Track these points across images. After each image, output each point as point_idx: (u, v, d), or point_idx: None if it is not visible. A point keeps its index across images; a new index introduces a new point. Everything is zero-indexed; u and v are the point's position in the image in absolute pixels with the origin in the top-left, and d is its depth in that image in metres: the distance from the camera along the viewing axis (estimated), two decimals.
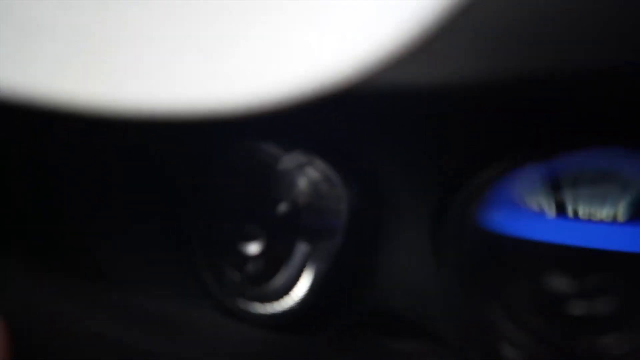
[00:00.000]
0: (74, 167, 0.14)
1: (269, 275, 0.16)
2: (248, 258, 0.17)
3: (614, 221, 0.14)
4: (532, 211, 0.14)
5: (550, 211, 0.14)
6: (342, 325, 0.17)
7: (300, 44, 0.08)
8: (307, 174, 0.16)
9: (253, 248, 0.17)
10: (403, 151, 0.16)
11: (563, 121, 0.13)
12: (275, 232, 0.16)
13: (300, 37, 0.08)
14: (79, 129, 0.13)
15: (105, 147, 0.14)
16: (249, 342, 0.15)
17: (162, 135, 0.15)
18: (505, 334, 0.15)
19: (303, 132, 0.16)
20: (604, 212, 0.14)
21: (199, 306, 0.16)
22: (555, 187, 0.14)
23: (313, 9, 0.08)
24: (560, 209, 0.14)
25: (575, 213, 0.14)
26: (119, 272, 0.14)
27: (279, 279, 0.16)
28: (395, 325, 0.16)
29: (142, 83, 0.08)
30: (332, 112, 0.14)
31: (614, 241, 0.14)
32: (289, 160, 0.16)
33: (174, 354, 0.12)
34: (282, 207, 0.16)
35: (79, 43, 0.09)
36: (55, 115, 0.09)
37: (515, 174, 0.15)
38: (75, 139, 0.13)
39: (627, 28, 0.09)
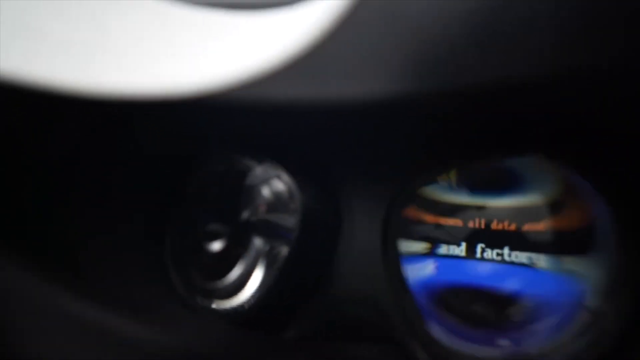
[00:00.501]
0: (65, 167, 0.15)
1: (224, 272, 0.17)
2: (209, 256, 0.18)
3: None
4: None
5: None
6: (301, 328, 0.17)
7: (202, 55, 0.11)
8: (266, 179, 0.18)
9: (214, 246, 0.18)
10: (354, 158, 0.17)
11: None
12: (234, 232, 0.18)
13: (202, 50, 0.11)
14: (72, 130, 0.13)
15: (95, 149, 0.15)
16: (210, 334, 0.16)
17: (148, 141, 0.16)
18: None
19: (262, 142, 0.18)
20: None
21: (167, 299, 0.17)
22: None
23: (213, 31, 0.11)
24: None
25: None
26: (96, 261, 0.15)
27: (233, 276, 0.17)
28: (352, 330, 0.17)
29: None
30: (285, 123, 0.15)
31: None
32: (249, 165, 0.18)
33: (142, 339, 0.12)
34: (242, 208, 0.18)
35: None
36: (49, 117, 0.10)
37: None
38: (67, 141, 0.14)
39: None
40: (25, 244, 0.13)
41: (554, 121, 0.14)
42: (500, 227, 0.15)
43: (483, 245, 0.15)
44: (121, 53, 0.10)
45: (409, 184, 0.16)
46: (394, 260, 0.16)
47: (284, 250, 0.17)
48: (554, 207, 0.14)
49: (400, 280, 0.16)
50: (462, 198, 0.15)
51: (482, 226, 0.15)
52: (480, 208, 0.15)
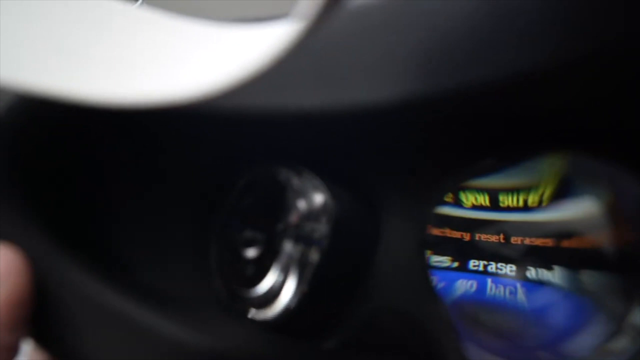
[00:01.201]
0: (119, 178, 0.16)
1: (259, 280, 0.18)
2: (245, 263, 0.18)
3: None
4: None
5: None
6: (336, 338, 0.18)
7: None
8: (301, 188, 0.18)
9: (249, 253, 0.18)
10: (391, 166, 0.17)
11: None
12: (269, 240, 0.18)
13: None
14: (123, 144, 0.15)
15: (146, 161, 0.17)
16: (249, 341, 0.16)
17: (193, 153, 0.17)
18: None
19: (298, 152, 0.18)
20: None
21: (211, 305, 0.17)
22: None
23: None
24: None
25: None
26: (148, 266, 0.16)
27: (267, 284, 0.18)
28: (387, 341, 0.17)
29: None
30: (319, 132, 0.16)
31: None
32: (286, 174, 0.18)
33: (188, 343, 0.13)
34: (277, 216, 0.18)
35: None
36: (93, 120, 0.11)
37: None
38: (120, 153, 0.16)
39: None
40: (87, 250, 0.14)
41: (589, 115, 0.13)
42: (539, 243, 0.14)
43: (522, 262, 0.14)
44: (108, 61, 0.11)
45: (444, 190, 0.16)
46: (427, 274, 0.16)
47: (315, 256, 0.17)
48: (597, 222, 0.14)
49: (433, 294, 0.16)
50: (499, 213, 0.15)
51: (525, 242, 0.14)
52: (519, 222, 0.14)
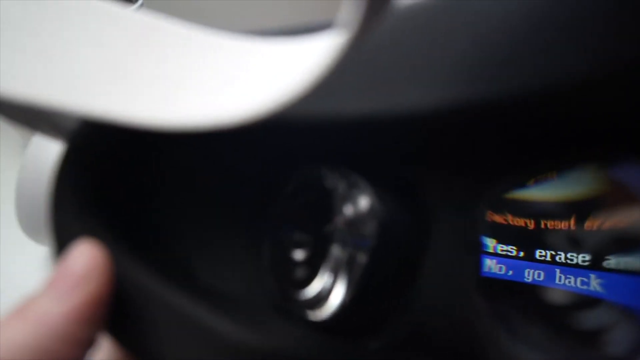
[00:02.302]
0: (179, 189, 0.17)
1: (308, 281, 0.19)
2: (295, 265, 0.19)
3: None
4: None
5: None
6: (385, 339, 0.18)
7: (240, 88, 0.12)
8: (348, 191, 0.19)
9: (298, 255, 0.19)
10: (437, 169, 0.17)
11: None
12: (316, 242, 0.19)
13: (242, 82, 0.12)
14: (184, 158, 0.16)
15: (204, 161, 0.17)
16: (301, 341, 0.17)
17: (246, 160, 0.18)
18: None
19: (345, 156, 0.19)
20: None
21: (265, 306, 0.18)
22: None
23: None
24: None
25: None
26: (209, 271, 0.17)
27: (317, 285, 0.18)
28: (435, 343, 0.17)
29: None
30: (365, 136, 0.16)
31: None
32: (333, 178, 0.19)
33: (246, 343, 0.13)
34: (325, 219, 0.19)
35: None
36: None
37: None
38: (182, 167, 0.17)
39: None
40: (153, 254, 0.15)
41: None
42: (621, 224, 0.13)
43: (599, 249, 0.13)
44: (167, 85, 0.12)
45: (494, 191, 0.16)
46: (477, 274, 0.16)
47: (363, 259, 0.18)
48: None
49: (482, 294, 0.16)
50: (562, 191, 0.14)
51: (602, 226, 0.13)
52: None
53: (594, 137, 0.14)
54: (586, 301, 0.13)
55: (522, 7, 0.12)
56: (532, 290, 0.15)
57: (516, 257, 0.15)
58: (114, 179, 0.14)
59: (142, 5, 0.40)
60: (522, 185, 0.16)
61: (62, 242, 0.13)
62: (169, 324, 0.13)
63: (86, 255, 0.12)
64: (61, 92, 0.12)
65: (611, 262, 0.13)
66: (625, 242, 0.13)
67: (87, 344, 0.12)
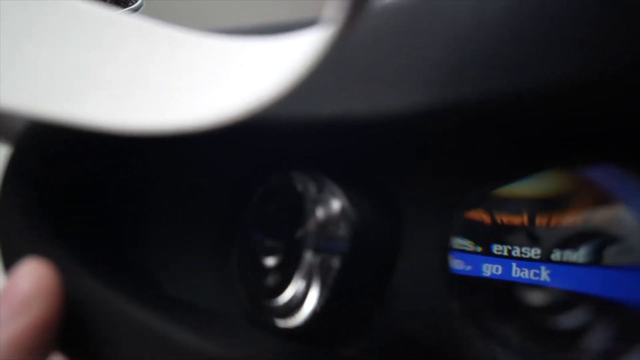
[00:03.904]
0: (138, 181, 0.16)
1: (281, 289, 0.18)
2: (267, 272, 0.18)
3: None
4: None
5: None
6: (360, 345, 0.17)
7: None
8: (320, 195, 0.18)
9: (270, 262, 0.18)
10: (411, 172, 0.17)
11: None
12: (288, 248, 0.18)
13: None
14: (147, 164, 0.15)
15: (168, 166, 0.17)
16: (273, 350, 0.16)
17: (211, 166, 0.17)
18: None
19: (316, 160, 0.18)
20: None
21: (235, 316, 0.18)
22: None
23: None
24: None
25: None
26: (174, 281, 0.16)
27: (290, 292, 0.18)
28: (412, 348, 0.17)
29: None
30: (337, 139, 0.16)
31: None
32: (303, 182, 0.18)
33: (213, 354, 0.13)
34: (296, 224, 0.18)
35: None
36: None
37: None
38: (145, 174, 0.16)
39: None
40: (112, 265, 0.14)
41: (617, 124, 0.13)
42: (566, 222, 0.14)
43: (547, 244, 0.14)
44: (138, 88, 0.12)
45: (468, 196, 0.16)
46: (450, 274, 0.16)
47: (336, 263, 0.17)
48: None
49: (456, 293, 0.16)
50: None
51: (550, 223, 0.14)
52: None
53: (570, 140, 0.14)
54: (561, 302, 0.14)
55: (506, 8, 0.12)
56: (503, 289, 0.15)
57: (474, 252, 0.15)
58: (66, 187, 0.13)
59: (141, 5, 0.39)
60: (496, 186, 0.15)
61: (8, 258, 0.12)
62: (129, 339, 0.12)
63: (31, 275, 0.11)
64: (8, 91, 0.11)
65: (557, 254, 0.14)
66: (570, 238, 0.14)
67: None
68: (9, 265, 0.12)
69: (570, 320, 0.14)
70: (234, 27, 0.15)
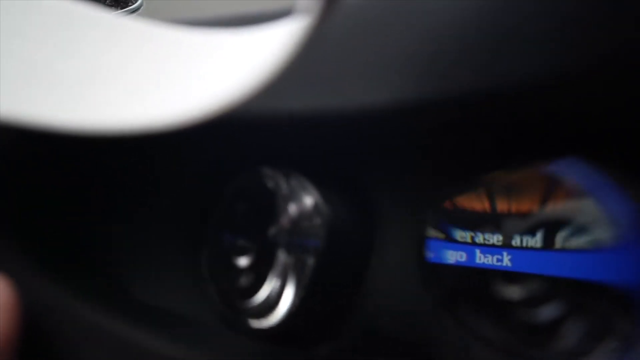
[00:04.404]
0: (103, 182, 0.15)
1: (255, 289, 0.18)
2: (239, 272, 0.18)
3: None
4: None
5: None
6: (335, 343, 0.17)
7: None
8: (292, 192, 0.18)
9: (242, 262, 0.18)
10: (384, 169, 0.17)
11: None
12: (261, 247, 0.18)
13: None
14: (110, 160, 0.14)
15: (133, 166, 0.16)
16: (246, 351, 0.16)
17: (179, 164, 0.16)
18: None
19: (288, 156, 0.18)
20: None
21: (206, 317, 0.17)
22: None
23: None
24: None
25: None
26: (140, 282, 0.15)
27: (264, 292, 0.17)
28: (387, 345, 0.17)
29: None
30: (309, 135, 0.15)
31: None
32: (275, 179, 0.18)
33: (171, 356, 0.13)
34: (268, 222, 0.18)
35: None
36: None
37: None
38: (107, 170, 0.15)
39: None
40: (77, 272, 0.14)
41: (588, 120, 0.13)
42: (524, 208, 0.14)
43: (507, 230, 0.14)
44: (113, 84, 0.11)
45: (442, 194, 0.16)
46: (424, 270, 0.16)
47: (311, 261, 0.17)
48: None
49: (430, 288, 0.16)
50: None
51: (511, 209, 0.14)
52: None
53: (540, 135, 0.14)
54: (536, 296, 0.14)
55: (479, 3, 0.12)
56: (474, 279, 0.15)
57: (439, 239, 0.15)
58: (25, 193, 0.13)
59: (141, 5, 0.38)
60: (471, 186, 0.16)
61: None
62: (95, 348, 0.12)
63: None
64: None
65: (517, 240, 0.14)
66: (528, 225, 0.14)
67: None
68: None
69: (544, 313, 0.14)
70: (208, 17, 0.14)
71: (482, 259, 0.14)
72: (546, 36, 0.11)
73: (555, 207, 0.14)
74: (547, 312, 0.13)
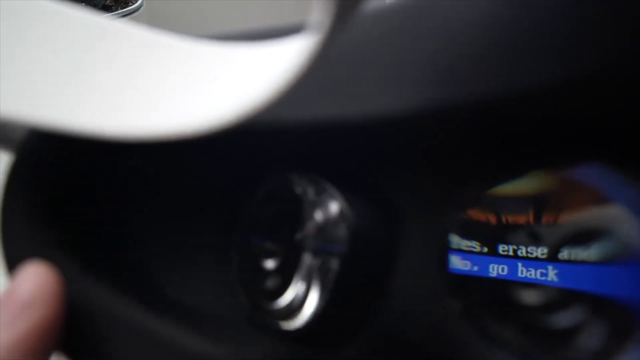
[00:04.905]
0: (138, 185, 0.16)
1: (281, 291, 0.18)
2: (266, 275, 0.18)
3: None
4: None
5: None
6: (359, 346, 0.18)
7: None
8: (317, 197, 0.18)
9: (269, 265, 0.18)
10: (408, 174, 0.17)
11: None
12: (287, 251, 0.18)
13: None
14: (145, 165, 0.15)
15: (167, 170, 0.17)
16: (273, 352, 0.16)
17: (210, 168, 0.17)
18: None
19: (313, 162, 0.18)
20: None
21: (235, 318, 0.18)
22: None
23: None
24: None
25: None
26: (175, 284, 0.16)
27: (290, 294, 0.18)
28: (410, 348, 0.17)
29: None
30: (333, 141, 0.16)
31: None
32: (302, 184, 0.19)
33: (207, 353, 0.13)
34: (295, 226, 0.18)
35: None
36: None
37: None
38: (143, 175, 0.16)
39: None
40: (113, 269, 0.14)
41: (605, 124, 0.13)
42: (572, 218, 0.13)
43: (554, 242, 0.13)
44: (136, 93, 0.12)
45: (462, 192, 0.16)
46: (447, 275, 0.16)
47: (335, 265, 0.17)
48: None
49: (454, 294, 0.16)
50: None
51: (557, 221, 0.14)
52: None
53: (560, 140, 0.14)
54: (556, 301, 0.14)
55: (495, 9, 0.12)
56: (499, 288, 0.15)
57: (480, 253, 0.15)
58: (67, 192, 0.14)
59: (141, 5, 0.39)
60: (491, 186, 0.16)
61: (11, 262, 0.12)
62: (133, 343, 0.13)
63: (34, 278, 0.11)
64: (6, 100, 0.11)
65: (564, 253, 0.13)
66: (576, 236, 0.13)
67: None
68: (11, 269, 0.12)
69: (566, 318, 0.14)
70: (222, 33, 0.15)
71: (525, 272, 0.14)
72: (566, 38, 0.11)
73: (597, 217, 0.13)
74: (569, 317, 0.13)
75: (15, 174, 0.13)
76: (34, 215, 0.12)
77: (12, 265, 0.12)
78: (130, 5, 0.39)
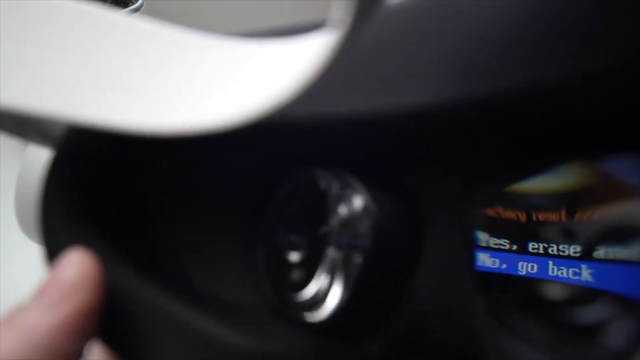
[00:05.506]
0: (169, 179, 0.17)
1: (305, 283, 0.18)
2: (291, 267, 0.19)
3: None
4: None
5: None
6: (383, 340, 0.18)
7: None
8: (341, 191, 0.18)
9: (293, 258, 0.19)
10: (431, 168, 0.17)
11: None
12: (311, 244, 0.19)
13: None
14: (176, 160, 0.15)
15: (196, 164, 0.17)
16: (298, 344, 0.17)
17: (239, 158, 0.18)
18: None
19: (338, 157, 0.18)
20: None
21: (261, 310, 0.18)
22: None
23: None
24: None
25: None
26: (204, 276, 0.17)
27: (313, 287, 0.18)
28: (434, 344, 0.17)
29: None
30: (358, 136, 0.16)
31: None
32: (327, 178, 0.19)
33: (241, 347, 0.13)
34: (319, 220, 0.19)
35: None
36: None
37: None
38: (175, 168, 0.16)
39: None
40: (146, 260, 0.15)
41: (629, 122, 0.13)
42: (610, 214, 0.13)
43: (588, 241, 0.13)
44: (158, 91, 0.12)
45: (488, 187, 0.16)
46: (472, 271, 0.16)
47: (359, 259, 0.18)
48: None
49: (478, 292, 0.16)
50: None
51: (592, 217, 0.13)
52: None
53: (586, 134, 0.13)
54: (582, 296, 0.13)
55: (513, 6, 0.12)
56: (527, 284, 0.15)
57: (509, 251, 0.15)
58: (104, 186, 0.14)
59: (142, 5, 0.39)
60: (515, 181, 0.15)
61: (52, 250, 0.13)
62: (165, 331, 0.13)
63: (76, 264, 0.12)
64: (46, 99, 0.12)
65: (600, 252, 0.13)
66: (613, 233, 0.13)
67: (75, 355, 0.12)
68: (52, 257, 0.13)
69: (592, 314, 0.13)
70: (244, 30, 0.15)
71: (556, 271, 0.14)
72: (585, 35, 0.11)
73: (627, 212, 0.13)
74: (595, 312, 0.13)
75: (55, 168, 0.13)
76: (73, 208, 0.13)
77: (53, 253, 0.13)
78: (131, 5, 0.39)
